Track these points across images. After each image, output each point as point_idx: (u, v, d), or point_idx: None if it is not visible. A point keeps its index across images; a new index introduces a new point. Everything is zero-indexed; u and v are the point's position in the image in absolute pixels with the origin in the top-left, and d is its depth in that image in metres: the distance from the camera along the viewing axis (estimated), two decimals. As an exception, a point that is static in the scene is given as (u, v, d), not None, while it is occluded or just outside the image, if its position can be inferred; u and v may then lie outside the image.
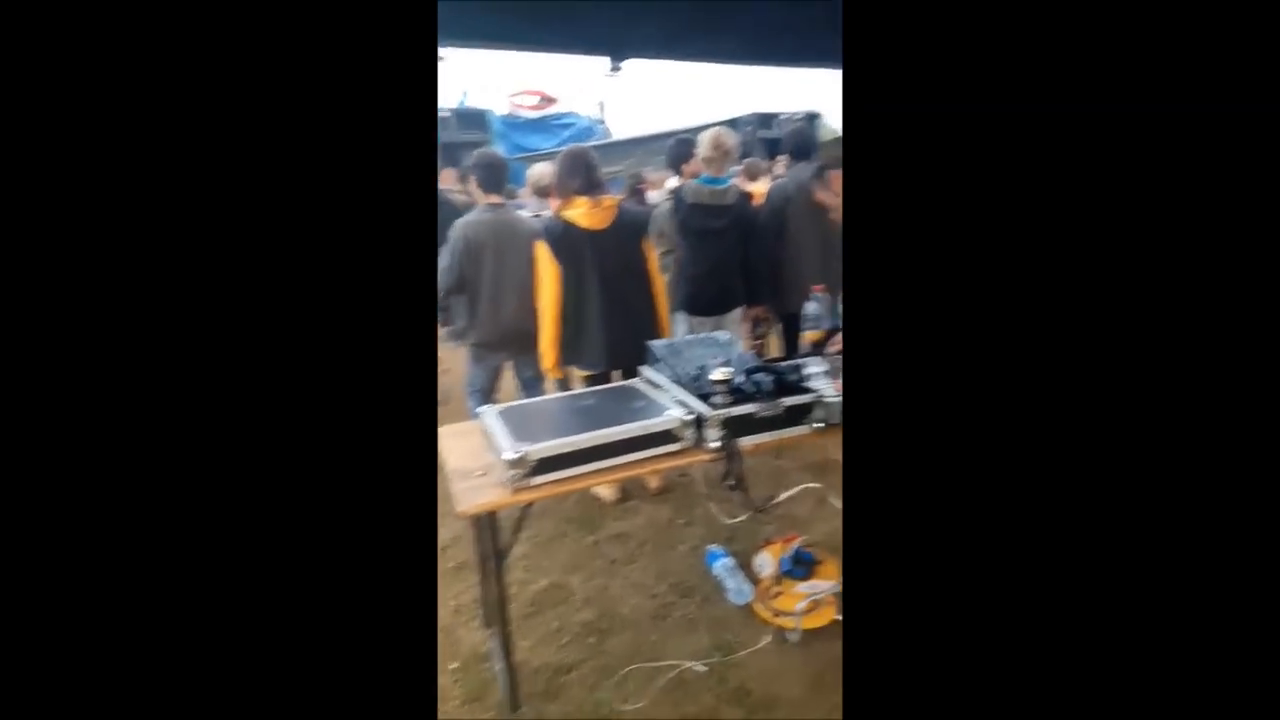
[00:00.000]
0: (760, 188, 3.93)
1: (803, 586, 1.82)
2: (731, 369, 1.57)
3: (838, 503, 2.43)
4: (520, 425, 1.49)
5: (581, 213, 2.12)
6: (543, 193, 3.35)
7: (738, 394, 1.58)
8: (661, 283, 2.37)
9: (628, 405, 1.69)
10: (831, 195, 1.48)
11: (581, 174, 2.14)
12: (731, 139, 2.59)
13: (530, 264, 2.22)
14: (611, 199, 2.22)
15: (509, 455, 1.34)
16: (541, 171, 3.41)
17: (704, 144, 2.56)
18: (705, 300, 2.67)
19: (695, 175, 2.65)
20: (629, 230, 2.22)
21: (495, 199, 2.45)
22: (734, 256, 2.60)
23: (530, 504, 1.42)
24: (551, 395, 2.14)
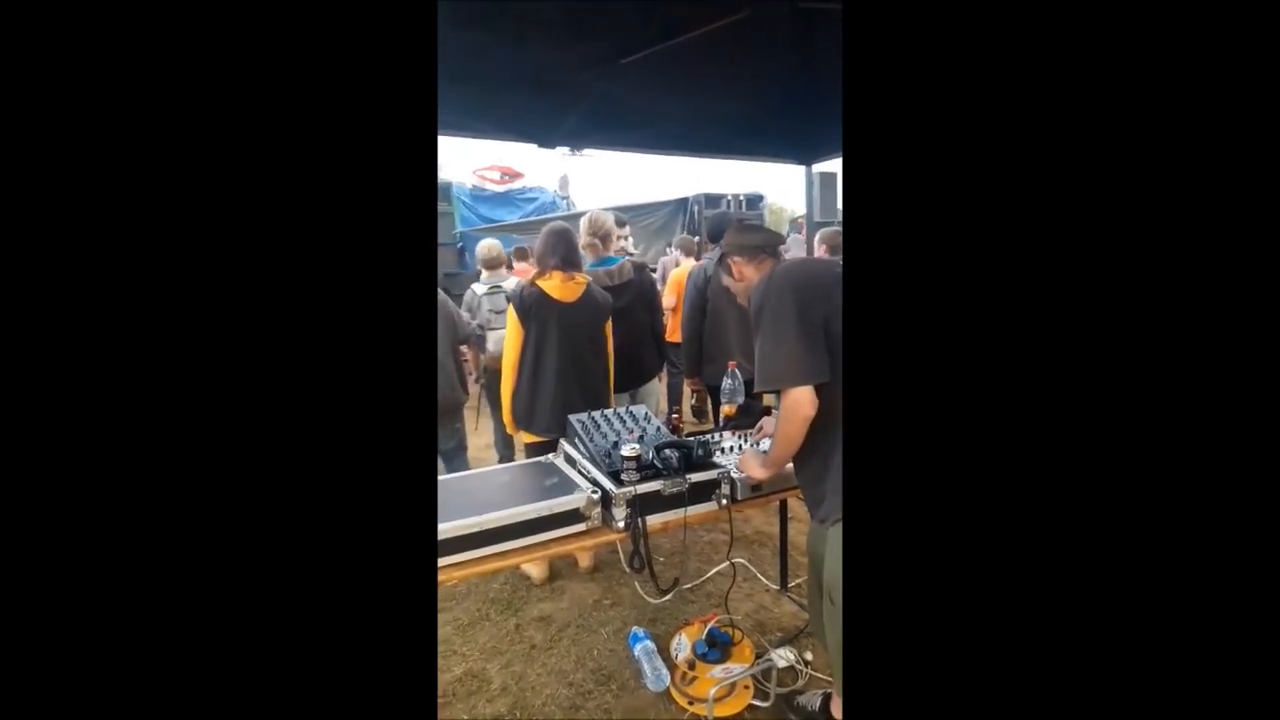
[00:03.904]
0: (691, 262, 4.13)
1: (716, 670, 1.77)
2: (640, 446, 1.58)
3: (763, 578, 2.41)
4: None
5: (555, 284, 2.22)
6: (490, 264, 3.49)
7: (647, 470, 1.58)
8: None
9: (539, 483, 1.67)
10: (733, 280, 1.58)
11: (562, 250, 2.28)
12: (609, 220, 2.65)
13: (451, 340, 2.25)
14: (584, 276, 2.31)
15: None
16: (489, 245, 3.60)
17: (583, 228, 2.58)
18: (621, 376, 2.63)
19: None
20: (595, 308, 2.32)
21: None
22: (643, 328, 2.66)
23: (455, 584, 1.38)
24: (467, 471, 2.14)
